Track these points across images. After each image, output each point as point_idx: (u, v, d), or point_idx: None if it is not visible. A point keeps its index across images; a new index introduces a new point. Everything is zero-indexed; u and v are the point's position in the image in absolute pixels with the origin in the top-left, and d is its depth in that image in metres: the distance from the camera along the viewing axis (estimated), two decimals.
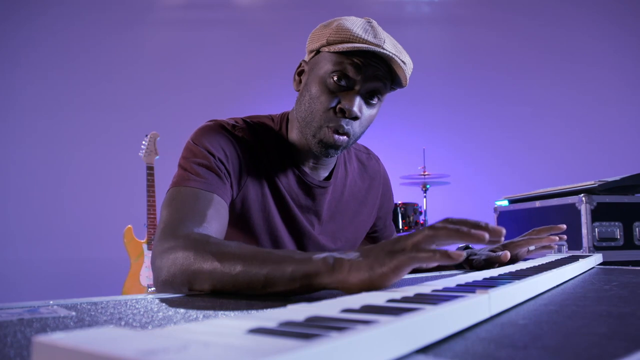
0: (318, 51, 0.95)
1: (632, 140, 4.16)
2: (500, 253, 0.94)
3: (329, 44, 0.91)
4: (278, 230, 1.00)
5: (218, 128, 0.97)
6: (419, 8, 4.64)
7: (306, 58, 1.00)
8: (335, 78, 0.90)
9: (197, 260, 0.70)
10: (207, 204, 0.86)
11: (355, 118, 0.91)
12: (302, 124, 0.96)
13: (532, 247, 1.00)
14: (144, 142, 2.91)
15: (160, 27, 4.36)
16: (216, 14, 4.41)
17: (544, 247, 1.00)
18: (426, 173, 3.43)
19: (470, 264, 1.02)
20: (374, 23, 0.94)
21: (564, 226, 0.96)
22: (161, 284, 0.76)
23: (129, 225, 2.92)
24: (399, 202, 3.17)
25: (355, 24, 0.91)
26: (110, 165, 3.89)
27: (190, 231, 0.80)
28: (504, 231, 0.53)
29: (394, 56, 0.89)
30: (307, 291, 0.62)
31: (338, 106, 0.91)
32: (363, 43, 0.88)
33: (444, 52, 4.55)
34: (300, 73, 1.01)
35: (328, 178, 1.07)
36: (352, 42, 0.88)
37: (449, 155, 4.17)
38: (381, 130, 4.15)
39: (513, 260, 0.99)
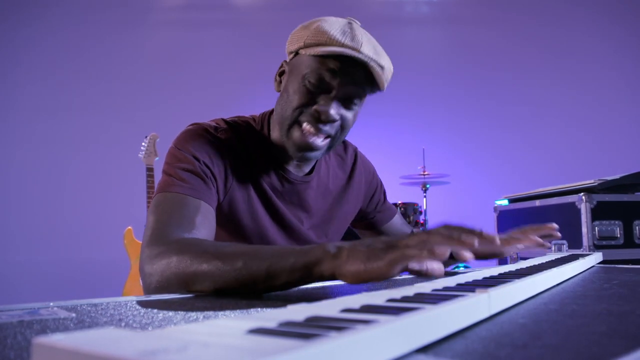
0: (297, 53, 0.94)
1: (632, 139, 4.16)
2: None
3: (306, 46, 0.90)
4: (267, 229, 1.00)
5: (201, 131, 0.96)
6: (418, 8, 4.64)
7: (287, 59, 0.99)
8: (311, 81, 0.89)
9: (194, 261, 0.69)
10: (195, 210, 0.85)
11: (333, 121, 0.91)
12: (279, 126, 0.96)
13: (520, 246, 0.99)
14: (143, 144, 2.91)
15: (160, 27, 4.35)
16: (216, 14, 4.41)
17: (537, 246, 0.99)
18: (426, 173, 3.43)
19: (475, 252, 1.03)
20: (355, 25, 0.92)
21: (555, 225, 0.94)
22: (154, 290, 0.74)
23: (129, 227, 2.92)
24: (399, 202, 3.17)
25: (334, 27, 0.89)
26: (110, 167, 3.89)
27: (181, 236, 0.79)
28: (497, 238, 0.55)
29: (370, 61, 0.87)
30: (307, 281, 0.62)
31: (314, 108, 0.90)
32: (339, 47, 0.86)
33: (444, 52, 4.55)
34: (281, 74, 1.00)
35: (310, 173, 1.07)
36: (328, 46, 0.87)
37: (448, 155, 4.17)
38: (381, 130, 4.16)
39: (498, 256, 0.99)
